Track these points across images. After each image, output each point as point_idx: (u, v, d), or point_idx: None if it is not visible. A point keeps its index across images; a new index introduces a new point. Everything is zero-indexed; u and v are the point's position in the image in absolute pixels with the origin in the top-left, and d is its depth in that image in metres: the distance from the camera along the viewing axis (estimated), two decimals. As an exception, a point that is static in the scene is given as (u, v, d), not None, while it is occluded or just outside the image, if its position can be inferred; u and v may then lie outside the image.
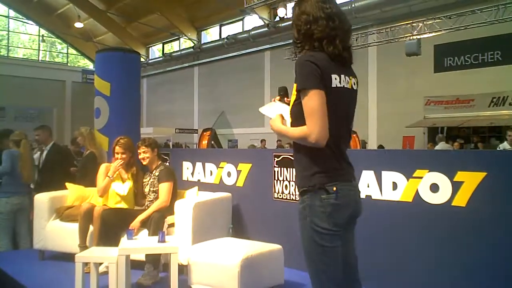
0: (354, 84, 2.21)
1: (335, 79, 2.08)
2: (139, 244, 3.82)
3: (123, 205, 4.64)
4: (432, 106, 14.69)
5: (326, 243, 2.07)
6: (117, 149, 4.70)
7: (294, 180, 2.06)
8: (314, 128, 2.00)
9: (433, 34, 13.51)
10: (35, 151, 6.35)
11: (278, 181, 4.63)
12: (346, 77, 2.15)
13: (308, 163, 2.13)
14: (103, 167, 4.81)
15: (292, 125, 2.15)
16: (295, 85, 2.11)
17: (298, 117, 2.09)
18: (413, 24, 13.79)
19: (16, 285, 4.08)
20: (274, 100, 2.35)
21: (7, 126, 6.88)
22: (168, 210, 4.42)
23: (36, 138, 6.16)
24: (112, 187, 4.67)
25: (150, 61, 26.47)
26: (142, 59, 23.05)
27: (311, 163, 2.12)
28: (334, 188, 2.08)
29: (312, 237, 2.08)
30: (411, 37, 13.63)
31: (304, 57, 2.09)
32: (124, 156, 4.70)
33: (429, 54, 14.36)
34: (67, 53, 29.81)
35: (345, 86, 2.13)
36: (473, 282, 3.28)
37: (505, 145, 10.31)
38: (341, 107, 2.13)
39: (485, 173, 3.24)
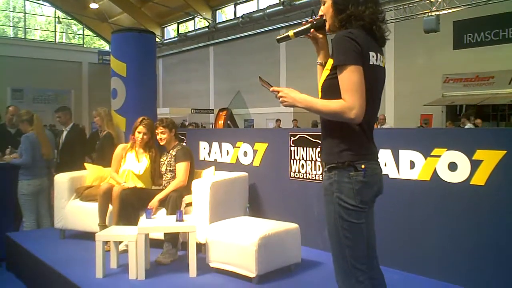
0: (384, 63, 2.21)
1: (373, 56, 2.06)
2: (158, 223, 3.87)
3: (139, 184, 4.69)
4: (450, 83, 14.47)
5: (352, 219, 2.08)
6: (141, 128, 4.72)
7: (319, 155, 2.02)
8: (355, 103, 1.96)
9: (452, 10, 13.24)
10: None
11: (295, 161, 4.63)
12: (380, 56, 2.14)
13: (338, 140, 2.11)
14: (119, 148, 4.86)
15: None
16: (330, 60, 2.09)
17: (330, 92, 2.06)
18: (431, 0, 13.51)
19: (39, 263, 4.18)
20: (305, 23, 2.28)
21: (26, 107, 6.96)
22: (185, 189, 4.46)
23: (57, 120, 6.24)
24: (128, 167, 4.72)
25: (165, 41, 26.46)
26: (157, 39, 22.99)
27: (341, 140, 2.10)
28: (363, 166, 2.08)
29: (339, 212, 2.09)
30: (430, 14, 13.37)
31: (342, 33, 2.04)
32: (145, 137, 4.73)
33: (448, 31, 14.08)
34: (83, 34, 29.93)
35: (380, 64, 2.13)
36: (491, 261, 3.26)
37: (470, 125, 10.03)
38: (376, 85, 2.12)
39: (505, 151, 3.19)
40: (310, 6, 16.17)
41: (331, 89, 2.06)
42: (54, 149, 5.99)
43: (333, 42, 2.06)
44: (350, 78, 1.98)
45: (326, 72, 2.12)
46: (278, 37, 2.36)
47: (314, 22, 2.24)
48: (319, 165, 4.39)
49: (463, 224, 3.41)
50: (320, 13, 2.24)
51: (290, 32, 2.26)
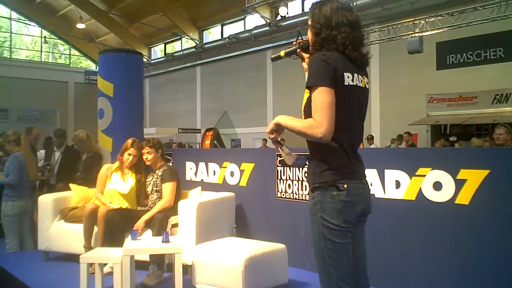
0: (367, 83, 2.26)
1: (348, 77, 2.11)
2: (143, 245, 3.84)
3: (125, 204, 4.64)
4: (435, 103, 14.65)
5: (336, 239, 2.10)
6: (132, 150, 4.70)
7: (305, 175, 2.05)
8: (323, 122, 2.01)
9: (435, 31, 13.47)
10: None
11: (281, 181, 4.63)
12: (359, 76, 2.19)
13: (320, 160, 2.16)
14: (104, 168, 4.84)
15: None
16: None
17: (310, 114, 2.09)
18: (415, 22, 13.75)
19: (22, 286, 4.10)
20: (295, 44, 2.40)
21: (11, 127, 6.91)
22: (171, 210, 4.43)
23: (56, 144, 6.23)
24: (113, 186, 4.68)
25: (152, 61, 26.48)
26: (144, 59, 23.02)
27: (323, 160, 2.14)
28: (345, 186, 2.11)
29: (323, 232, 2.11)
30: (413, 35, 13.59)
31: (317, 56, 2.12)
32: (134, 159, 4.72)
33: (432, 52, 14.32)
34: (70, 54, 29.86)
35: (358, 84, 2.17)
36: (477, 280, 3.28)
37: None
38: (354, 105, 2.18)
39: (488, 171, 3.24)
40: (296, 27, 16.35)
41: (311, 111, 2.08)
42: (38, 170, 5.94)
43: (308, 64, 2.16)
44: (320, 99, 2.03)
45: (307, 94, 2.16)
46: (272, 57, 2.51)
47: (301, 43, 2.36)
48: (305, 185, 4.40)
49: (448, 243, 3.43)
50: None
51: (282, 52, 2.43)
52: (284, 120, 2.15)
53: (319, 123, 2.00)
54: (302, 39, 2.38)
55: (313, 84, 2.07)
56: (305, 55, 2.36)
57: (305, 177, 4.39)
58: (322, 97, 2.03)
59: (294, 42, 2.39)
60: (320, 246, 2.13)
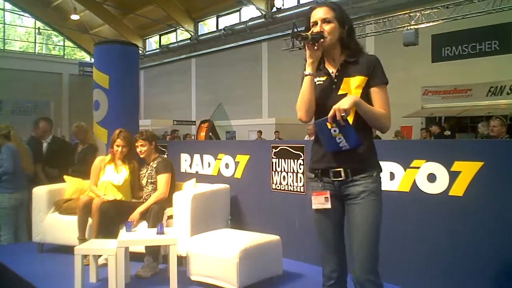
0: None
1: None
2: (138, 236, 3.83)
3: (119, 196, 4.64)
4: (429, 96, 14.69)
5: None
6: (119, 141, 4.68)
7: (345, 162, 2.04)
8: (390, 116, 2.39)
9: (431, 24, 13.49)
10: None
11: (276, 172, 4.64)
12: None
13: (374, 148, 2.45)
14: (98, 160, 4.82)
15: None
16: (360, 77, 2.36)
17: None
18: (410, 14, 13.75)
19: (16, 278, 4.10)
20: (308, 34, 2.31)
21: (4, 119, 6.87)
22: (166, 202, 4.42)
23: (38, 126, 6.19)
24: (107, 178, 4.67)
25: (147, 53, 26.40)
26: (139, 51, 22.90)
27: (375, 148, 2.46)
28: None
29: (379, 212, 2.36)
30: (409, 27, 13.60)
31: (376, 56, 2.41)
32: (124, 149, 4.70)
33: (427, 44, 14.34)
34: (64, 46, 29.70)
35: None
36: (470, 272, 3.30)
37: None
38: None
39: (482, 163, 3.25)
40: (292, 19, 16.31)
41: (367, 101, 2.34)
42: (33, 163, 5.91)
43: (375, 62, 2.40)
44: (387, 97, 2.39)
45: (359, 89, 2.35)
46: (295, 33, 2.31)
47: (320, 34, 2.30)
48: (300, 177, 4.40)
49: (442, 235, 3.45)
50: (319, 29, 2.31)
51: (309, 34, 2.28)
52: (360, 101, 2.28)
53: (389, 117, 2.37)
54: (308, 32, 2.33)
55: (387, 82, 2.41)
56: (321, 46, 2.31)
57: (291, 172, 4.38)
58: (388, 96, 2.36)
59: (317, 31, 2.30)
60: (377, 225, 2.34)
